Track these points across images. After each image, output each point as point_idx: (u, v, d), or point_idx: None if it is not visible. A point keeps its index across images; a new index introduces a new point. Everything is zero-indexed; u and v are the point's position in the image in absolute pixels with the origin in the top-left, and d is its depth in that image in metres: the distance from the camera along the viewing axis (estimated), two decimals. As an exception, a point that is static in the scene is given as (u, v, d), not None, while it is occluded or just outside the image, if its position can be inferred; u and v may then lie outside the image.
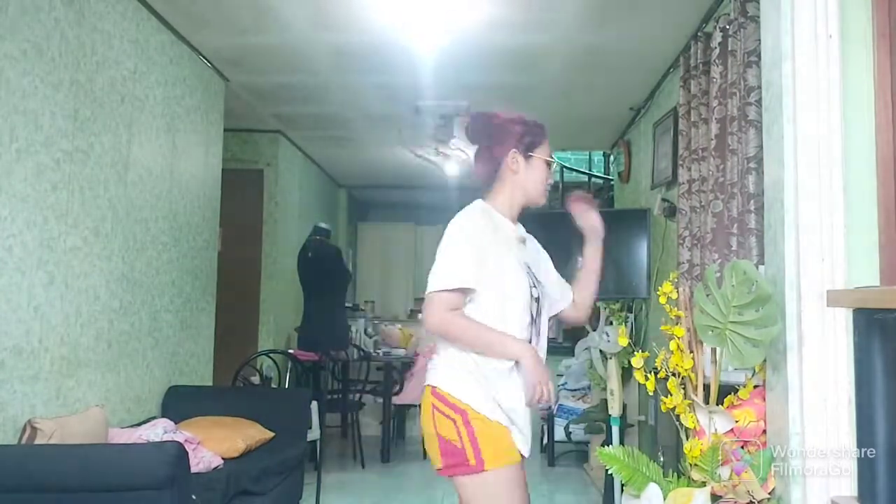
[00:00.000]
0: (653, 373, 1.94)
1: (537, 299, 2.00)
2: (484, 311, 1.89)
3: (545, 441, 5.81)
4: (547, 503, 4.72)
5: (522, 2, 3.45)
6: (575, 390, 5.79)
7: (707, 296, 1.83)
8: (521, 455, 1.92)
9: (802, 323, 1.73)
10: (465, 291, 1.86)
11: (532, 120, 2.07)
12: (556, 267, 2.26)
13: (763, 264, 2.02)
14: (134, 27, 3.37)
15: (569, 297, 2.20)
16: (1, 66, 2.46)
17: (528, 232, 2.14)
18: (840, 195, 1.75)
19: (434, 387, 1.90)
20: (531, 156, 2.02)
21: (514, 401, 1.88)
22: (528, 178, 2.02)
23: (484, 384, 1.85)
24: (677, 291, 2.01)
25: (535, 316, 1.98)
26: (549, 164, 2.04)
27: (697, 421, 1.84)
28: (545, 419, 5.89)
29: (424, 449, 2.10)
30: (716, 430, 1.82)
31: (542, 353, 1.99)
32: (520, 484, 1.88)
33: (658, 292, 1.98)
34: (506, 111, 2.08)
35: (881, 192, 1.72)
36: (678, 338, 1.88)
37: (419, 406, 2.02)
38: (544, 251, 2.20)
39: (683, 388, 1.88)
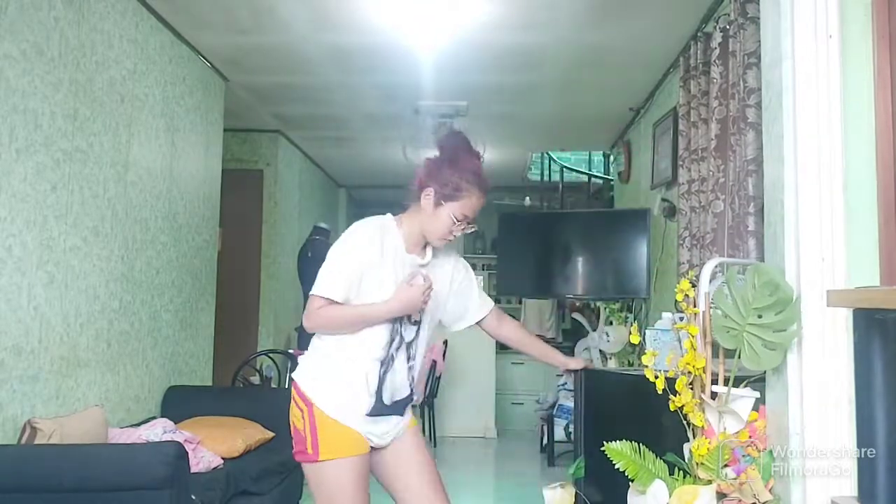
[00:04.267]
0: (662, 372, 1.94)
1: (416, 322, 2.09)
2: None
3: (545, 441, 5.81)
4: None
5: (522, 2, 3.45)
6: (571, 390, 5.78)
7: (726, 297, 1.83)
8: (373, 447, 2.04)
9: (802, 323, 1.73)
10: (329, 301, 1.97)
11: (474, 176, 2.06)
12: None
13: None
14: (133, 27, 3.37)
15: (476, 317, 2.29)
16: (1, 66, 2.46)
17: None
18: (840, 195, 1.74)
19: (294, 380, 2.09)
20: (442, 204, 2.04)
21: (356, 415, 2.00)
22: (429, 221, 2.06)
23: (332, 390, 2.00)
24: (694, 289, 2.01)
25: (402, 337, 2.06)
26: (454, 220, 2.04)
27: (707, 420, 1.85)
28: (545, 419, 5.89)
29: None
30: (725, 429, 1.83)
31: (417, 370, 2.11)
32: (356, 475, 1.98)
33: (675, 290, 1.98)
34: (469, 153, 2.09)
35: (881, 192, 1.72)
36: (692, 336, 1.88)
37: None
38: (463, 272, 2.25)
39: (692, 387, 1.88)
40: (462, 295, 2.24)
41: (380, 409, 2.01)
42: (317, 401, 1.99)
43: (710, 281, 2.05)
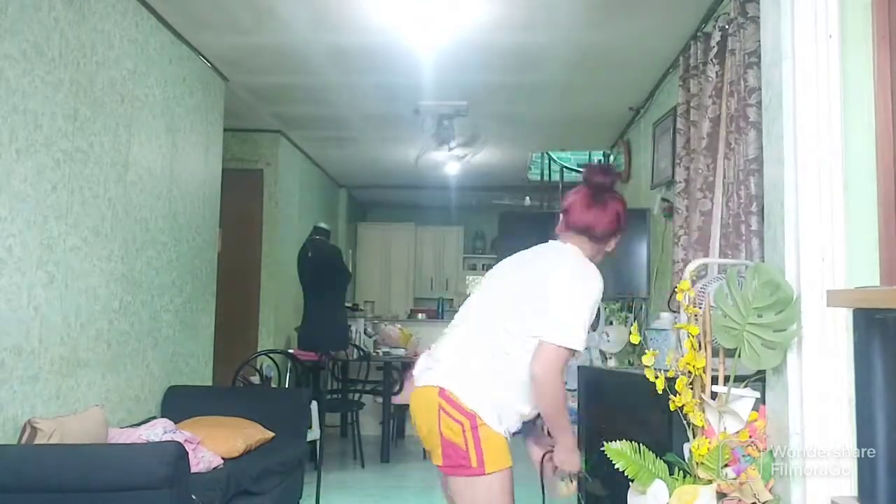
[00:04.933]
0: (662, 372, 1.94)
1: None
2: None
3: (545, 441, 5.81)
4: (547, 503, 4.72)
5: (522, 2, 3.45)
6: (575, 390, 5.79)
7: (726, 296, 1.83)
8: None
9: (802, 323, 1.73)
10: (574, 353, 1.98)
11: None
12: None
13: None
14: (133, 27, 3.37)
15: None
16: (1, 66, 2.46)
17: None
18: (840, 195, 1.74)
19: (445, 389, 1.97)
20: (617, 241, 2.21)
21: (516, 422, 2.04)
22: (600, 254, 2.19)
23: (499, 407, 1.97)
24: (693, 289, 2.01)
25: None
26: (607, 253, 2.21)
27: (707, 420, 1.85)
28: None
29: (424, 448, 2.16)
30: (725, 429, 1.83)
31: None
32: (512, 484, 2.00)
33: (676, 289, 1.99)
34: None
35: (881, 192, 1.72)
36: (692, 336, 1.88)
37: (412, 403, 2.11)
38: None
39: (692, 387, 1.89)
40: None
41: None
42: (482, 412, 1.94)
43: (695, 281, 2.06)
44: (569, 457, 2.07)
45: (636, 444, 1.93)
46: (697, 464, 1.82)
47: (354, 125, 5.83)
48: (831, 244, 1.73)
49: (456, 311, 2.25)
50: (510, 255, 2.24)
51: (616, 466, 1.90)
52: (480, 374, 1.99)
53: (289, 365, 5.36)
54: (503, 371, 2.00)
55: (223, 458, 3.05)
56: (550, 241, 2.20)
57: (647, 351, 2.00)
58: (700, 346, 1.89)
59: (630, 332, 2.11)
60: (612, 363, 4.15)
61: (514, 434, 2.06)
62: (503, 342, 2.01)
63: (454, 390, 1.95)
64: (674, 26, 3.65)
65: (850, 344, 1.68)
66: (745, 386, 1.88)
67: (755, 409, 1.85)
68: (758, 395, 1.87)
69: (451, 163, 5.94)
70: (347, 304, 6.61)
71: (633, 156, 5.45)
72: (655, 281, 4.26)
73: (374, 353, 6.18)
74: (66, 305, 2.86)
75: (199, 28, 3.79)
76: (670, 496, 1.80)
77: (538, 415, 2.09)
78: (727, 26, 3.00)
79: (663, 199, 4.19)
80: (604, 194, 2.19)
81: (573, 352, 1.95)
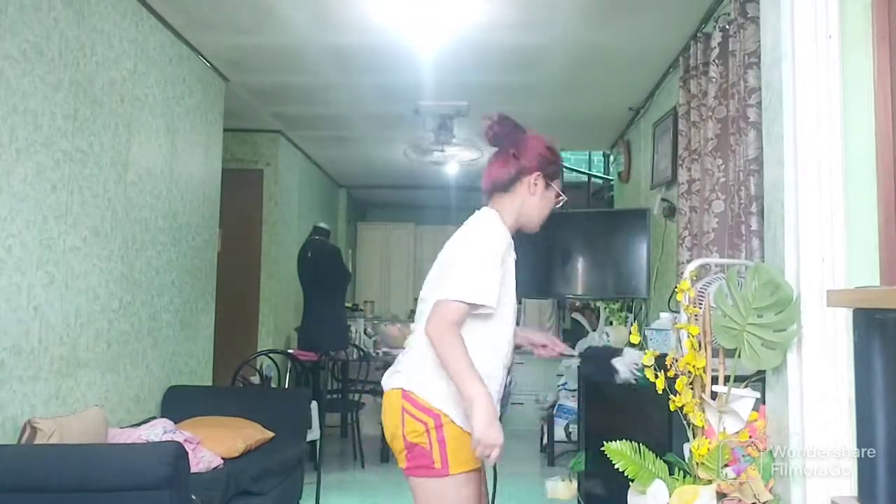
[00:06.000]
0: (662, 371, 1.94)
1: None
2: (485, 328, 1.90)
3: (545, 441, 5.81)
4: (547, 503, 4.73)
5: (522, 2, 3.45)
6: (575, 390, 5.79)
7: (726, 297, 1.83)
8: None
9: (802, 323, 1.73)
10: (474, 307, 1.84)
11: (553, 146, 2.06)
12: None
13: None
14: (133, 27, 3.37)
15: None
16: (1, 66, 2.46)
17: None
18: (840, 195, 1.74)
19: (406, 391, 1.91)
20: (550, 185, 2.03)
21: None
22: (538, 204, 2.02)
23: (457, 394, 1.84)
24: (693, 289, 2.01)
25: (508, 360, 2.02)
26: (557, 195, 2.04)
27: (707, 420, 1.85)
28: (545, 419, 5.89)
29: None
30: (724, 429, 1.83)
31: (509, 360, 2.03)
32: (477, 489, 1.94)
33: (676, 290, 1.99)
34: (531, 130, 2.08)
35: (881, 192, 1.72)
36: (692, 336, 1.88)
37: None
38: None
39: (692, 387, 1.89)
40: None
41: (500, 414, 1.91)
42: (448, 410, 1.86)
43: (696, 281, 2.06)
44: (485, 429, 1.74)
45: (636, 443, 1.93)
46: (697, 464, 1.82)
47: (354, 125, 5.83)
48: (831, 244, 1.73)
49: None
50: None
51: (616, 466, 1.90)
52: (436, 366, 1.87)
53: (289, 365, 5.36)
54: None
55: (223, 458, 3.05)
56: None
57: (647, 351, 2.00)
58: (700, 346, 1.89)
59: (630, 332, 2.11)
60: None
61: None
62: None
63: (416, 390, 1.90)
64: (674, 26, 3.65)
65: (850, 344, 1.68)
66: (745, 386, 1.88)
67: (755, 409, 1.85)
68: (757, 395, 1.87)
69: (451, 163, 5.93)
70: (347, 304, 6.62)
71: (633, 156, 5.45)
72: (655, 281, 4.26)
73: (374, 353, 6.18)
74: (66, 305, 2.86)
75: (199, 28, 3.79)
76: (670, 496, 1.80)
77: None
78: (727, 27, 3.00)
79: (663, 200, 4.19)
80: (501, 141, 2.06)
81: (470, 306, 1.80)
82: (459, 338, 1.82)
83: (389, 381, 2.00)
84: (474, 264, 1.85)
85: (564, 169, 2.06)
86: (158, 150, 3.64)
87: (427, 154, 5.48)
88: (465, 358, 1.80)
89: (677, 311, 2.43)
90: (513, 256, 2.00)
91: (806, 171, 1.76)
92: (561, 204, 2.06)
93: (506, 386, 2.03)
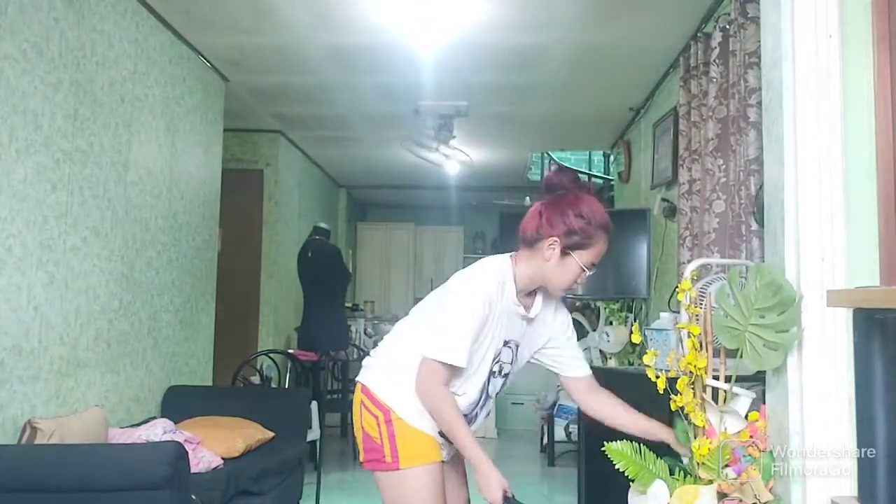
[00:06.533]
0: (663, 371, 1.94)
1: (498, 371, 2.02)
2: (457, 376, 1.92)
3: (545, 441, 5.82)
4: (547, 503, 4.73)
5: (522, 2, 3.45)
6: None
7: (728, 297, 1.83)
8: (444, 460, 1.98)
9: (802, 323, 1.73)
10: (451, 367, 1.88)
11: (600, 220, 1.94)
12: None
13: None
14: (134, 27, 3.37)
15: (572, 373, 2.13)
16: (1, 66, 2.46)
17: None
18: (840, 195, 1.74)
19: (364, 385, 1.99)
20: (569, 254, 1.91)
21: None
22: (554, 272, 1.93)
23: (415, 399, 1.90)
24: (694, 289, 2.01)
25: (488, 393, 2.03)
26: (583, 269, 1.92)
27: (708, 420, 1.85)
28: (545, 419, 5.89)
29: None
30: (725, 429, 1.83)
31: (487, 410, 2.06)
32: (436, 484, 1.92)
33: (677, 289, 1.99)
34: (588, 192, 1.99)
35: (881, 192, 1.72)
36: (694, 336, 1.88)
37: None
38: (563, 324, 2.12)
39: (693, 387, 1.88)
40: (558, 349, 2.12)
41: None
42: (396, 407, 1.91)
43: (696, 280, 2.06)
44: (484, 481, 1.81)
45: (636, 443, 1.93)
46: (698, 464, 1.82)
47: (354, 125, 5.84)
48: (831, 244, 1.73)
49: None
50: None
51: (616, 466, 1.90)
52: (397, 366, 1.96)
53: (289, 365, 5.36)
54: (397, 352, 2.01)
55: (223, 458, 3.05)
56: None
57: (647, 351, 2.00)
58: (702, 346, 1.88)
59: (630, 332, 2.11)
60: (612, 363, 4.15)
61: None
62: (412, 333, 2.02)
63: (370, 385, 1.97)
64: (674, 26, 3.65)
65: (850, 344, 1.68)
66: (750, 389, 1.88)
67: (753, 409, 1.85)
68: (754, 395, 1.87)
69: (451, 163, 5.94)
70: (347, 304, 6.62)
71: (633, 156, 5.45)
72: (655, 281, 4.26)
73: (374, 353, 6.17)
74: (66, 305, 2.86)
75: (199, 28, 3.79)
76: (671, 496, 1.80)
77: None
78: (728, 27, 3.00)
79: (664, 200, 4.19)
80: (552, 191, 1.97)
81: (448, 366, 1.85)
82: (447, 396, 1.88)
83: (358, 376, 2.07)
84: (452, 326, 1.87)
85: (603, 235, 1.96)
86: (158, 150, 3.64)
87: (427, 148, 5.47)
88: (457, 417, 1.85)
89: (677, 311, 2.41)
90: (508, 311, 1.95)
91: (806, 171, 1.75)
92: (585, 277, 1.96)
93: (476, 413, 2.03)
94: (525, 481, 5.11)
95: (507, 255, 2.00)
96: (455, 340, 1.85)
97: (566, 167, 2.08)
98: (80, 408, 2.93)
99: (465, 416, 1.95)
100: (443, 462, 1.97)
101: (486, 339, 1.91)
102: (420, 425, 1.92)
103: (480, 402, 2.01)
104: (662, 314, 2.80)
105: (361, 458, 1.98)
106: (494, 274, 1.92)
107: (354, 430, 2.02)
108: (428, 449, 1.92)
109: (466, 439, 1.84)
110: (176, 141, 3.84)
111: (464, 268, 2.05)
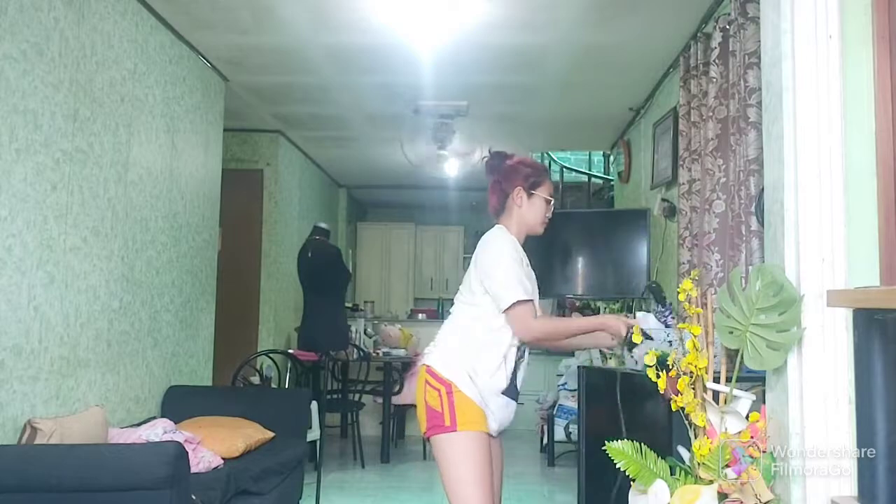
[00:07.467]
0: (664, 371, 1.94)
1: None
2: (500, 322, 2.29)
3: (545, 441, 5.81)
4: (547, 503, 4.73)
5: (522, 2, 3.45)
6: (575, 390, 5.79)
7: (729, 297, 1.83)
8: (490, 433, 2.29)
9: (802, 323, 1.73)
10: (526, 302, 2.25)
11: (537, 163, 2.54)
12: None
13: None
14: (133, 27, 3.37)
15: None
16: (1, 66, 2.46)
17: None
18: (840, 195, 1.74)
19: (429, 366, 2.31)
20: (533, 193, 2.39)
21: (491, 391, 2.28)
22: (528, 212, 2.40)
23: (470, 373, 2.25)
24: (697, 289, 2.01)
25: None
26: (547, 201, 2.40)
27: (708, 420, 1.84)
28: (545, 419, 5.89)
29: (425, 449, 2.35)
30: (726, 429, 1.83)
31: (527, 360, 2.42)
32: (485, 450, 2.23)
33: (678, 290, 1.99)
34: (518, 155, 2.49)
35: (881, 192, 1.72)
36: (695, 336, 1.88)
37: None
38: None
39: (694, 388, 1.88)
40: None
41: (512, 391, 2.31)
42: (457, 381, 2.23)
43: (696, 282, 2.09)
44: (613, 324, 2.32)
45: (637, 443, 1.93)
46: (699, 464, 1.82)
47: (354, 125, 5.84)
48: (831, 244, 1.73)
49: None
50: None
51: (617, 466, 1.90)
52: (453, 347, 2.31)
53: (289, 365, 5.36)
54: (466, 339, 2.32)
55: (223, 458, 3.05)
56: None
57: (648, 350, 2.00)
58: (702, 346, 1.88)
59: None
60: (612, 363, 4.15)
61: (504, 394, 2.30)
62: (458, 314, 2.38)
63: (434, 365, 2.29)
64: (674, 26, 3.65)
65: (850, 344, 1.68)
66: (751, 390, 1.88)
67: (753, 409, 1.85)
68: (754, 397, 1.87)
69: (451, 161, 5.94)
70: (347, 305, 6.61)
71: (633, 156, 5.45)
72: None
73: (374, 354, 6.17)
74: (66, 305, 2.86)
75: (199, 28, 3.79)
76: (672, 496, 1.80)
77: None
78: (728, 27, 3.00)
79: (664, 200, 4.19)
80: (492, 172, 2.46)
81: (526, 302, 2.24)
82: (545, 321, 2.44)
83: (422, 359, 2.40)
84: (505, 272, 2.27)
85: (547, 173, 2.51)
86: (158, 150, 3.64)
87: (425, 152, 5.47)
88: (563, 323, 2.62)
89: (648, 311, 2.76)
90: (525, 257, 2.40)
91: (806, 171, 1.75)
92: (551, 209, 2.43)
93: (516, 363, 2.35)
94: (525, 481, 5.11)
95: (495, 227, 2.42)
96: (513, 281, 2.25)
97: (493, 150, 2.57)
98: (80, 408, 2.93)
99: (521, 359, 2.33)
100: (490, 436, 2.28)
101: (529, 283, 2.30)
102: (478, 399, 2.24)
103: (526, 349, 2.38)
104: (639, 313, 2.84)
105: (423, 430, 2.28)
106: (506, 235, 2.37)
107: (417, 409, 2.32)
108: (480, 418, 2.24)
109: (579, 321, 2.52)
110: (176, 141, 3.84)
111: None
